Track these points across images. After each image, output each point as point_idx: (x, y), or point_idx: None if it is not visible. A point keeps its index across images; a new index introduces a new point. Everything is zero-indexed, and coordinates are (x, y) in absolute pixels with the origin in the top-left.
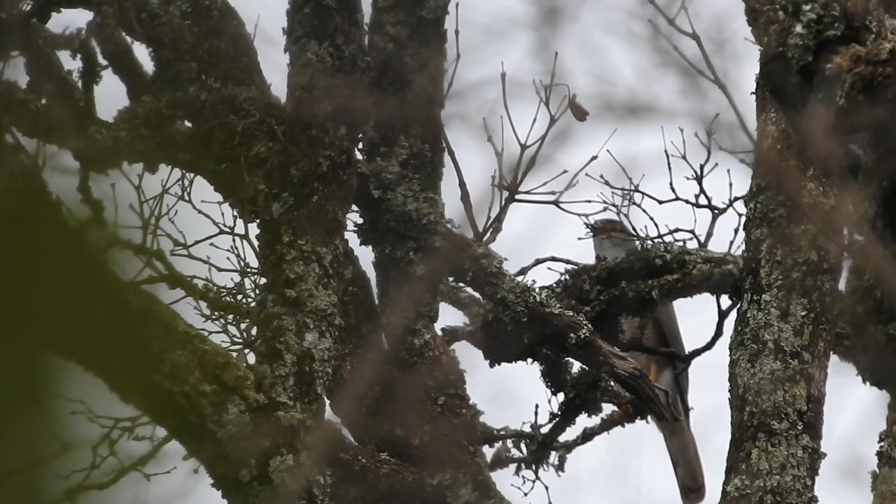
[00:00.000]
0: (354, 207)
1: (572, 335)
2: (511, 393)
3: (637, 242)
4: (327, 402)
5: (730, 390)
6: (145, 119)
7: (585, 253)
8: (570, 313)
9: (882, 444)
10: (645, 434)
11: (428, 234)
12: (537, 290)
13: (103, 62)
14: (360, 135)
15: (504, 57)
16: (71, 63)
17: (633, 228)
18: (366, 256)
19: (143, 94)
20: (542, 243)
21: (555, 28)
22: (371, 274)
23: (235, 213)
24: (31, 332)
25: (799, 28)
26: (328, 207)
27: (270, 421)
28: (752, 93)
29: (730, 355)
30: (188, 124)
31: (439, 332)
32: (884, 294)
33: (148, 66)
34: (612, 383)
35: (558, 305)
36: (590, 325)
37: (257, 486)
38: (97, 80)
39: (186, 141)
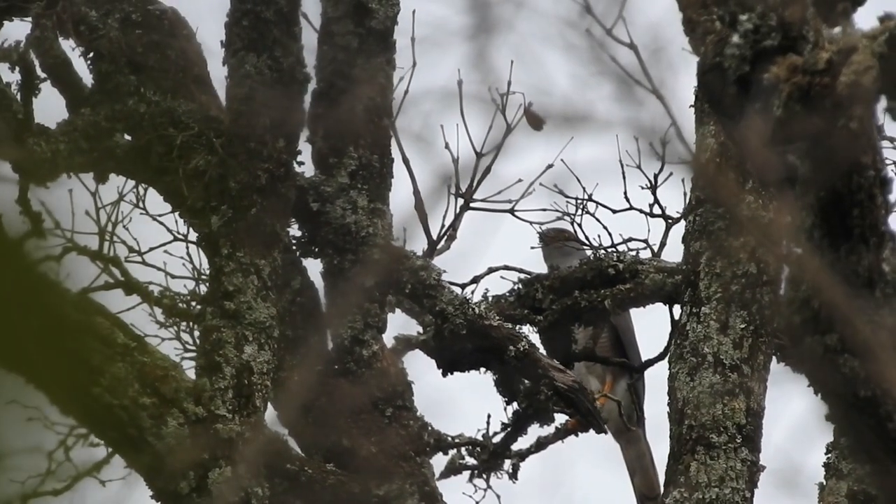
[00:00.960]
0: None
1: (511, 347)
2: (464, 402)
3: (588, 252)
4: (274, 412)
5: (669, 403)
6: (84, 131)
7: (539, 262)
8: (509, 326)
9: (829, 455)
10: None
11: (366, 247)
12: (477, 302)
13: (42, 75)
14: (299, 148)
15: (441, 68)
16: (9, 75)
17: (586, 237)
18: (314, 267)
19: (82, 106)
20: (496, 251)
21: (490, 38)
22: (319, 284)
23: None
24: None
25: (735, 38)
26: (267, 220)
27: (209, 433)
28: (691, 105)
29: (669, 368)
30: (128, 137)
31: (388, 343)
32: (821, 305)
33: (87, 78)
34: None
35: (497, 317)
36: (528, 338)
37: (196, 498)
38: (36, 93)
39: (126, 154)
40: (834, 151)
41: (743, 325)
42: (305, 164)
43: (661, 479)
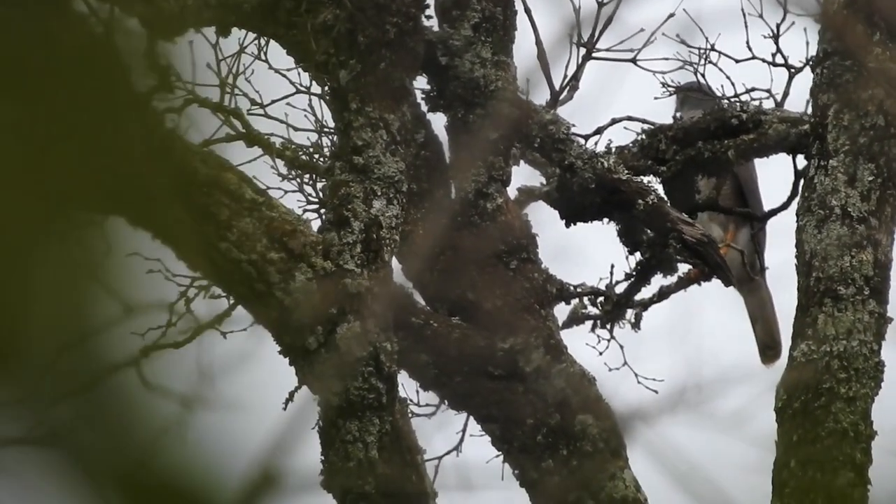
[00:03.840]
0: (422, 74)
1: (640, 201)
2: (586, 253)
3: (712, 102)
4: (399, 266)
5: (796, 256)
6: None
7: (662, 112)
8: (639, 179)
9: None
10: (715, 293)
11: (496, 101)
12: (605, 156)
13: None
14: (427, 1)
15: None
16: None
17: (710, 89)
18: (438, 121)
19: None
20: (619, 102)
21: None
22: (444, 138)
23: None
24: (97, 199)
25: None
26: (395, 74)
27: (338, 288)
28: None
29: (797, 221)
30: None
31: (512, 196)
32: None
33: None
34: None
35: (626, 172)
36: (658, 192)
37: (324, 354)
38: None
39: (253, 9)
40: None
41: (871, 178)
42: (433, 18)
43: (781, 328)
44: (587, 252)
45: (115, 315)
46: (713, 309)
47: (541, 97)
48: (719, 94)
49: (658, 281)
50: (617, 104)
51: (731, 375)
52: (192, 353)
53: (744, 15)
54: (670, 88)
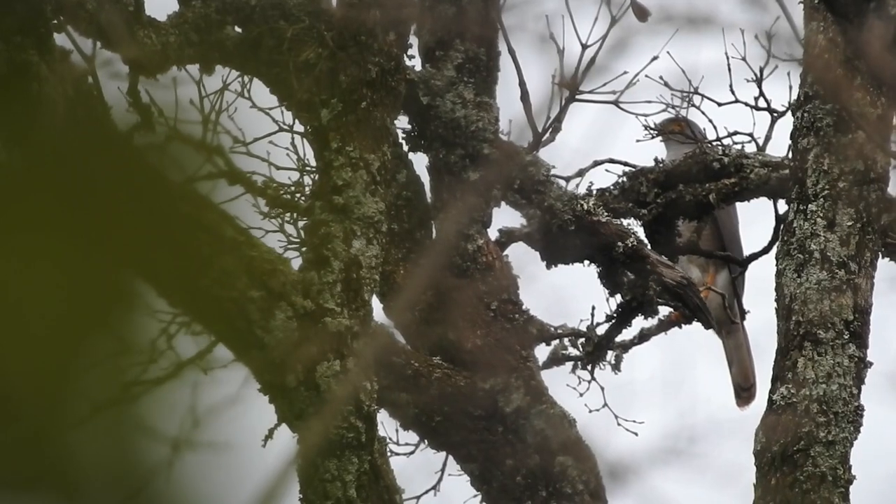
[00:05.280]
0: (403, 114)
1: (619, 244)
2: (567, 295)
3: (696, 145)
4: (379, 307)
5: (776, 300)
6: (195, 24)
7: (644, 155)
8: (618, 222)
9: None
10: (701, 337)
11: (476, 142)
12: (585, 198)
13: None
14: (409, 41)
15: None
16: None
17: (692, 131)
18: (420, 161)
19: None
20: (602, 145)
21: None
22: (425, 178)
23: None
24: (84, 237)
25: None
26: (376, 114)
27: (317, 327)
28: (800, 1)
29: (776, 265)
30: (238, 30)
31: (493, 238)
32: None
33: None
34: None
35: (606, 214)
36: (637, 234)
37: (304, 392)
38: None
39: (236, 47)
40: None
41: (850, 223)
42: (415, 58)
43: (758, 371)
44: (568, 294)
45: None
46: (702, 356)
47: (524, 139)
48: (702, 137)
49: (639, 323)
50: (600, 147)
51: (720, 424)
52: (177, 392)
53: (727, 59)
54: (653, 131)
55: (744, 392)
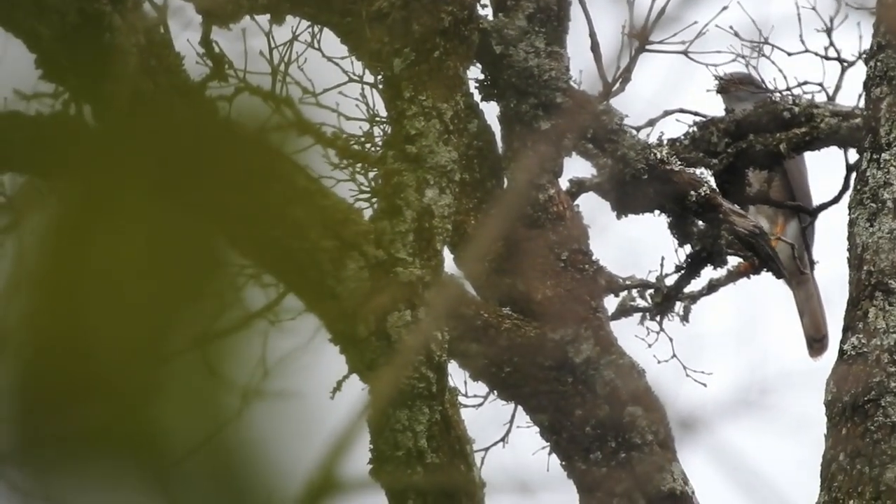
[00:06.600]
0: (475, 63)
1: (692, 193)
2: (636, 246)
3: (766, 95)
4: (450, 257)
5: (848, 249)
6: None
7: (714, 105)
8: (692, 171)
9: None
10: (771, 288)
11: (549, 91)
12: (658, 147)
13: None
14: None
15: None
16: None
17: (763, 82)
18: (491, 110)
19: None
20: (672, 95)
21: None
22: (496, 128)
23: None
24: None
25: None
26: (449, 63)
27: (389, 277)
28: None
29: (849, 214)
30: None
31: (564, 188)
32: None
33: None
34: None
35: (679, 163)
36: (710, 183)
37: (375, 342)
38: None
39: None
40: None
41: None
42: (487, 7)
43: (830, 321)
44: (637, 245)
45: None
46: (772, 307)
47: (594, 89)
48: (772, 87)
49: (708, 274)
50: (670, 97)
51: (791, 375)
52: (247, 343)
53: (797, 8)
54: (722, 81)
55: (816, 343)
